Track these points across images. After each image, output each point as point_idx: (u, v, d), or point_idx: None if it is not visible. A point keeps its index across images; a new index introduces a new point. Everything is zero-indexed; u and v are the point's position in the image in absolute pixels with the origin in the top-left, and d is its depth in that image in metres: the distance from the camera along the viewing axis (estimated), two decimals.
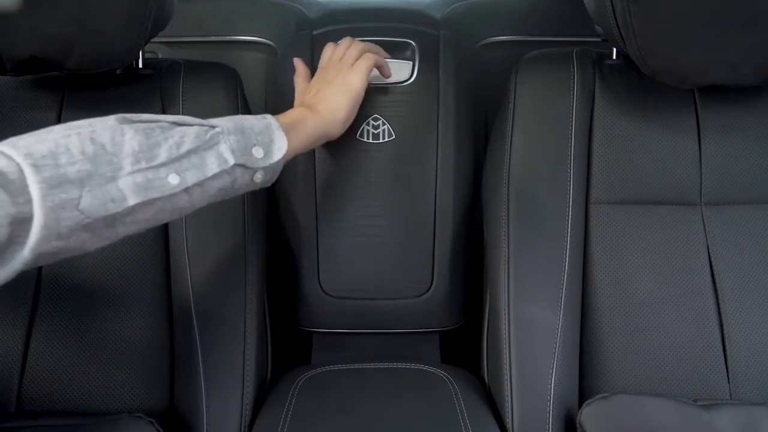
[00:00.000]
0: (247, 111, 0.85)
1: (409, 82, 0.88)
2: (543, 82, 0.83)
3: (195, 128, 0.60)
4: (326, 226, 0.89)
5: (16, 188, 0.48)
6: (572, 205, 0.79)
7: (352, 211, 0.89)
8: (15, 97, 0.81)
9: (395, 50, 0.89)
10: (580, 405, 0.72)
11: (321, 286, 0.90)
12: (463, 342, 0.99)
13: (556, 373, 0.74)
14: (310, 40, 0.89)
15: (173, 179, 0.57)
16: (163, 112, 0.81)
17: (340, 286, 0.91)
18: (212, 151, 0.60)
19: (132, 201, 0.54)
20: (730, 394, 0.76)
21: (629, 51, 0.75)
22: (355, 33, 0.86)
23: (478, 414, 0.77)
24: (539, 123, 0.82)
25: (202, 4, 1.19)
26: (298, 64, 0.85)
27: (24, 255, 0.49)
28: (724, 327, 0.77)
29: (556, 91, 0.82)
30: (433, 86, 0.89)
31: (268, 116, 0.67)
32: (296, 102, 0.81)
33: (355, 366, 0.86)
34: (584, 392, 0.77)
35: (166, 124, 0.59)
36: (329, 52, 0.83)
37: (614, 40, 0.76)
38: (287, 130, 0.67)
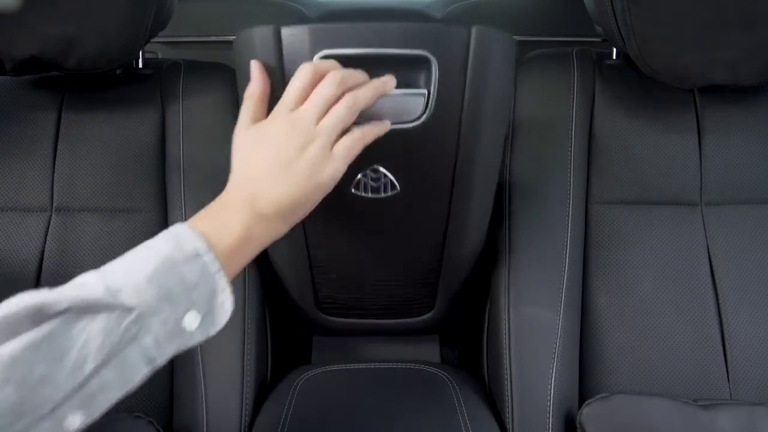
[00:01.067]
0: None
1: (421, 120, 0.62)
2: (543, 82, 0.83)
3: (100, 322, 0.40)
4: (320, 272, 0.81)
5: None
6: (572, 205, 0.79)
7: (348, 258, 0.79)
8: (15, 97, 0.81)
9: (405, 67, 0.61)
10: (580, 405, 0.72)
11: (319, 309, 0.88)
12: (463, 342, 0.98)
13: (556, 373, 0.74)
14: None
15: (72, 422, 0.39)
16: (163, 112, 0.81)
17: (338, 311, 0.88)
18: (129, 354, 0.41)
19: None
20: (730, 394, 0.76)
21: (629, 51, 0.75)
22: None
23: (478, 414, 0.77)
24: (539, 123, 0.82)
25: (202, 4, 1.19)
26: (255, 70, 0.57)
27: None
28: (724, 327, 0.77)
29: (556, 91, 0.82)
30: (454, 122, 0.64)
31: (202, 250, 0.46)
32: (234, 147, 0.55)
33: (355, 366, 0.86)
34: (584, 392, 0.77)
35: (58, 325, 0.39)
36: (299, 82, 0.54)
37: (614, 40, 0.76)
38: (228, 260, 0.47)
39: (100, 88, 0.82)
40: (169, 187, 0.80)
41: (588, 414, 0.71)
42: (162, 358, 0.44)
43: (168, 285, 0.43)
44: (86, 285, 0.42)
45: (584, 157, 0.81)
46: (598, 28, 0.83)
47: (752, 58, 0.74)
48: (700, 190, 0.81)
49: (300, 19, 1.14)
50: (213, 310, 0.46)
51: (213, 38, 1.16)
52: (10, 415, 0.36)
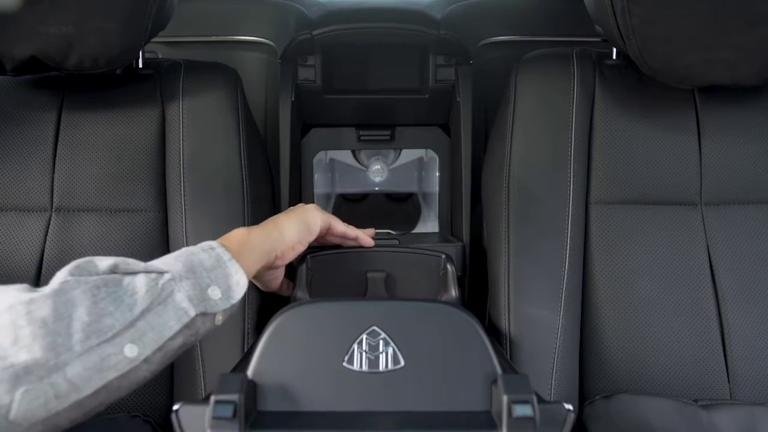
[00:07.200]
0: (247, 111, 0.85)
1: None
2: (543, 82, 0.83)
3: (142, 278, 0.52)
4: None
5: None
6: (572, 205, 0.79)
7: None
8: (15, 97, 0.81)
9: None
10: (581, 405, 0.72)
11: None
12: None
13: (556, 373, 0.74)
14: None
15: (130, 351, 0.48)
16: (163, 112, 0.81)
17: None
18: (168, 304, 0.52)
19: (85, 391, 0.46)
20: (730, 394, 0.76)
21: (629, 51, 0.75)
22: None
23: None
24: (539, 123, 0.82)
25: (202, 4, 1.19)
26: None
27: None
28: (724, 327, 0.77)
29: (556, 91, 0.82)
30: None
31: (214, 245, 0.58)
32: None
33: None
34: (584, 392, 0.77)
35: (111, 277, 0.51)
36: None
37: (614, 40, 0.76)
38: (237, 255, 0.58)
39: (100, 88, 0.82)
40: (169, 187, 0.80)
41: (589, 414, 0.71)
42: (193, 313, 0.53)
43: (191, 263, 0.56)
44: (126, 260, 0.54)
45: (584, 157, 0.81)
46: (598, 28, 0.83)
47: (752, 58, 0.74)
48: (700, 190, 0.81)
49: (300, 19, 1.14)
50: (230, 288, 0.57)
51: (213, 38, 1.17)
52: (83, 333, 0.47)
